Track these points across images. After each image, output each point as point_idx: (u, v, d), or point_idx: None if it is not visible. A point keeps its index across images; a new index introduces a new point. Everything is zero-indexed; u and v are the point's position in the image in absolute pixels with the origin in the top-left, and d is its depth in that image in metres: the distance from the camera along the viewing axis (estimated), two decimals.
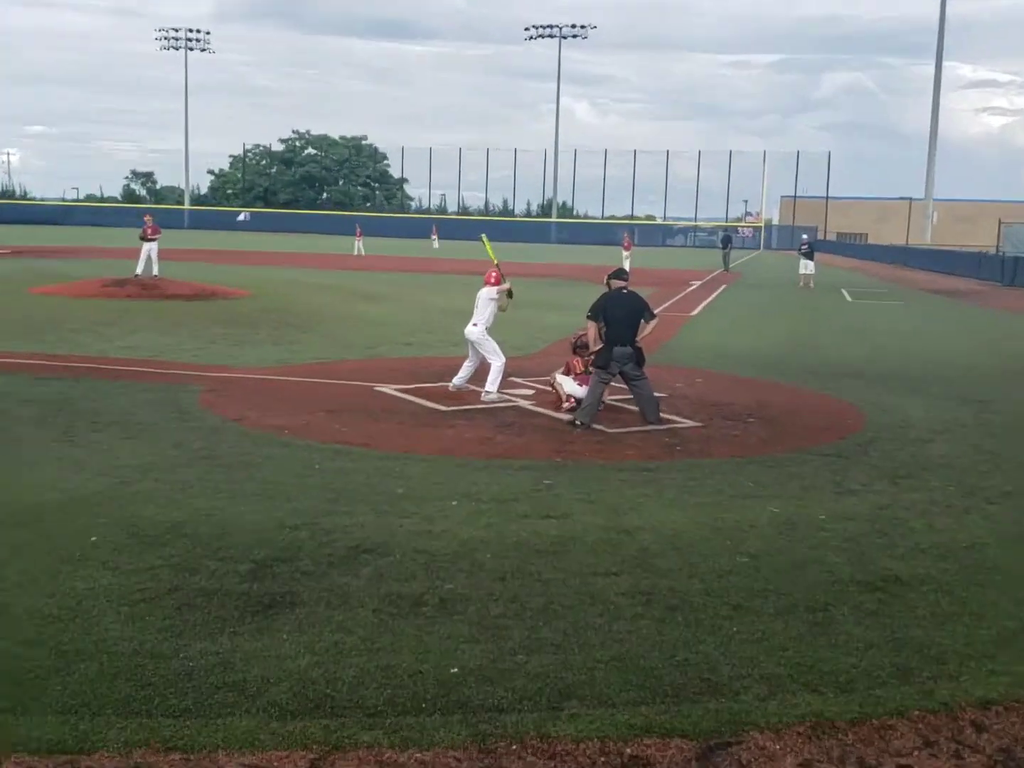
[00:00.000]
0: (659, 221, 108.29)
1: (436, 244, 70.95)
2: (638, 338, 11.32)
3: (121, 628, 5.32)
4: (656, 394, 11.93)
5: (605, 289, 11.76)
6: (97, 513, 7.26)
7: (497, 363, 12.45)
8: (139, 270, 29.16)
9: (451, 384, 12.93)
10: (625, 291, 11.55)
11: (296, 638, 5.27)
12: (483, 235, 13.96)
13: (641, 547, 6.86)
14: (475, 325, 12.60)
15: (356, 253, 56.08)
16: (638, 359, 11.28)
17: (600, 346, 11.29)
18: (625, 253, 44.06)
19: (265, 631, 5.34)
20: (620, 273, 11.89)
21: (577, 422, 10.96)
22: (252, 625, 5.41)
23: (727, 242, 52.25)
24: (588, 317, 11.46)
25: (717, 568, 6.49)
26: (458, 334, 16.73)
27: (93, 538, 6.69)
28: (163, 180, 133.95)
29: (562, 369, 12.38)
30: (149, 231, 30.14)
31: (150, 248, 29.75)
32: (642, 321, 11.40)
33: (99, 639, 5.20)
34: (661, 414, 11.44)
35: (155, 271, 29.27)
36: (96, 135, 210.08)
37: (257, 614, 5.55)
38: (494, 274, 12.84)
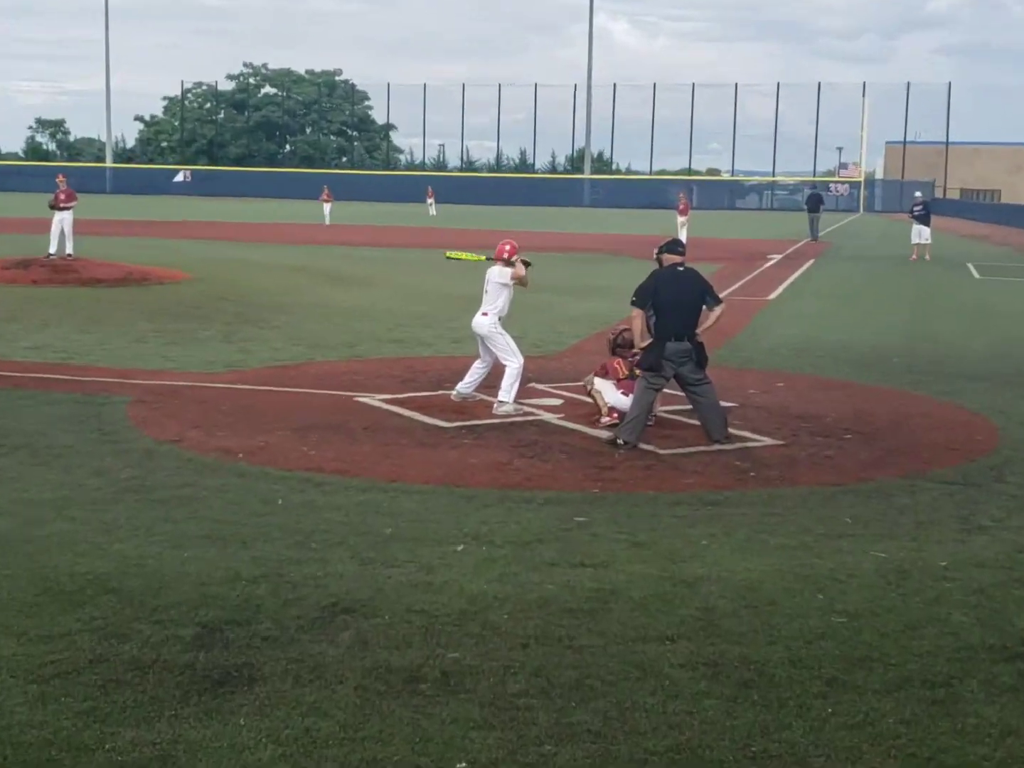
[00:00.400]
0: (725, 176, 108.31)
1: (432, 210, 71.19)
2: (698, 331, 11.35)
3: (29, 712, 5.35)
4: (723, 404, 11.96)
5: (655, 267, 11.77)
6: None
7: (513, 365, 12.50)
8: (52, 248, 29.20)
9: (454, 392, 12.99)
10: (681, 269, 11.57)
11: (256, 724, 5.30)
12: (447, 253, 13.94)
13: (704, 604, 6.86)
14: (484, 315, 12.69)
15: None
16: (698, 358, 11.29)
17: (648, 342, 11.31)
18: (681, 219, 44.13)
19: (216, 715, 5.37)
20: (674, 246, 11.92)
21: (620, 441, 10.97)
22: (199, 707, 5.44)
23: (816, 203, 52.06)
24: (633, 303, 11.48)
25: (805, 631, 6.48)
26: (462, 327, 16.79)
27: None
28: (78, 130, 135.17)
29: (598, 371, 12.38)
30: (62, 197, 30.07)
31: (63, 219, 29.70)
32: (704, 308, 11.41)
33: (1, 726, 5.23)
34: (730, 430, 11.45)
35: (69, 248, 29.31)
36: None
37: (205, 693, 5.58)
38: (507, 248, 12.87)
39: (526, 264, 12.79)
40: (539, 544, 7.94)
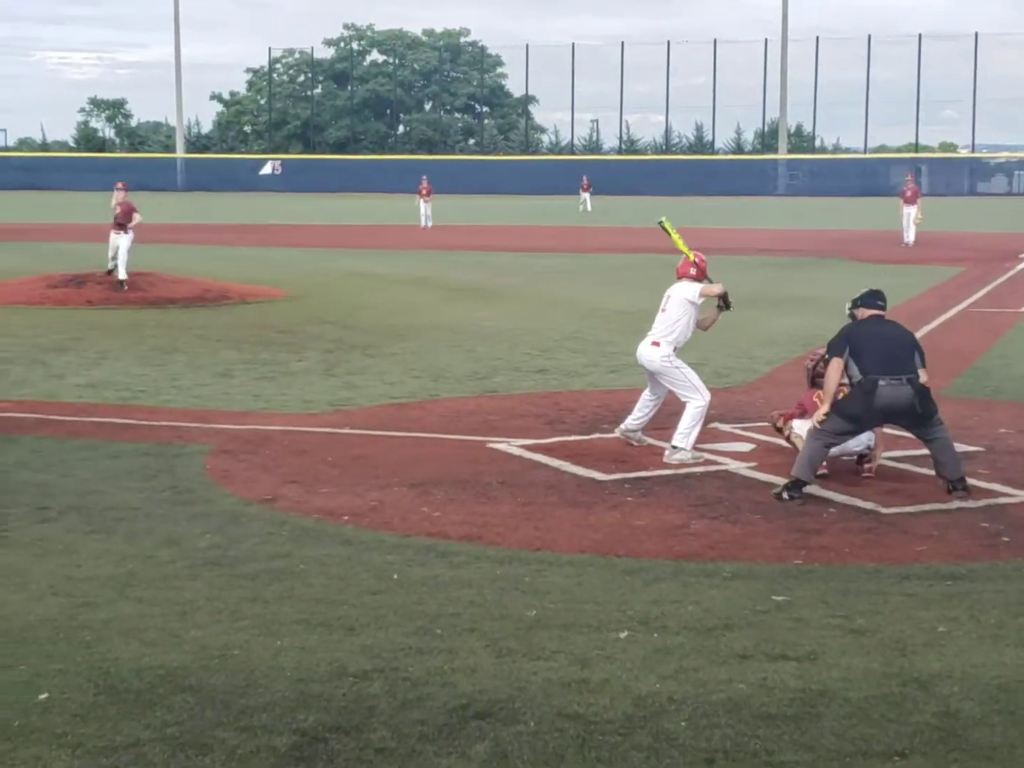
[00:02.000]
0: (963, 153, 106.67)
1: (587, 204, 71.44)
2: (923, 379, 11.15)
3: None
4: (964, 448, 11.69)
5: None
6: (48, 655, 7.48)
7: (696, 404, 12.49)
8: (114, 265, 28.63)
9: (618, 430, 12.99)
10: (883, 318, 11.62)
11: None
12: (663, 219, 13.99)
13: (944, 709, 6.73)
14: (655, 345, 12.74)
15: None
16: (924, 408, 11.09)
17: (843, 395, 11.22)
18: (907, 209, 43.58)
19: None
20: (872, 298, 11.66)
21: (784, 496, 10.95)
22: None
23: None
24: (828, 353, 11.44)
25: None
26: (623, 353, 16.81)
27: (42, 695, 6.89)
28: (141, 112, 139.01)
29: (794, 411, 12.26)
30: (118, 212, 29.23)
31: (119, 240, 28.88)
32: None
33: None
34: (973, 481, 11.26)
35: (122, 273, 28.33)
36: (35, 43, 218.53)
37: None
38: (694, 265, 12.93)
39: (727, 299, 12.73)
40: (726, 631, 7.88)
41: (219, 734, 6.41)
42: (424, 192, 56.18)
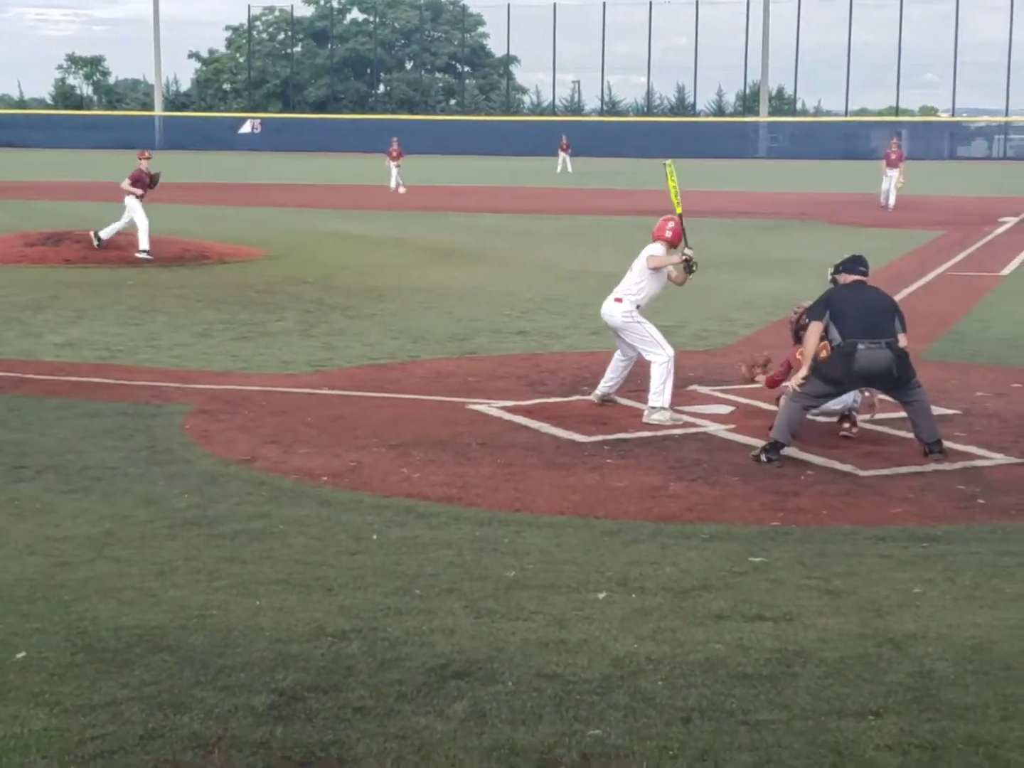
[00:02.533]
0: (944, 117, 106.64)
1: (567, 165, 71.21)
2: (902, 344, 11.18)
3: None
4: (941, 410, 11.74)
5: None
6: (24, 614, 7.49)
7: (661, 360, 12.53)
8: (142, 243, 27.54)
9: (594, 395, 13.04)
10: (863, 284, 11.63)
11: None
12: (667, 162, 13.98)
13: (919, 669, 6.77)
14: (617, 301, 12.82)
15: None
16: (900, 374, 11.12)
17: (824, 355, 11.18)
18: (890, 173, 43.52)
19: None
20: (854, 264, 11.67)
21: (763, 458, 11.01)
22: None
23: None
24: (808, 317, 11.45)
25: None
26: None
27: (20, 654, 6.90)
28: (119, 70, 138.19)
29: (779, 373, 12.29)
30: (144, 176, 27.93)
31: (130, 206, 27.82)
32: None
33: None
34: (950, 444, 11.34)
35: (104, 232, 27.80)
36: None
37: None
38: (670, 226, 13.02)
39: (689, 264, 12.79)
40: (703, 592, 7.91)
41: (197, 693, 6.43)
42: (394, 154, 54.40)
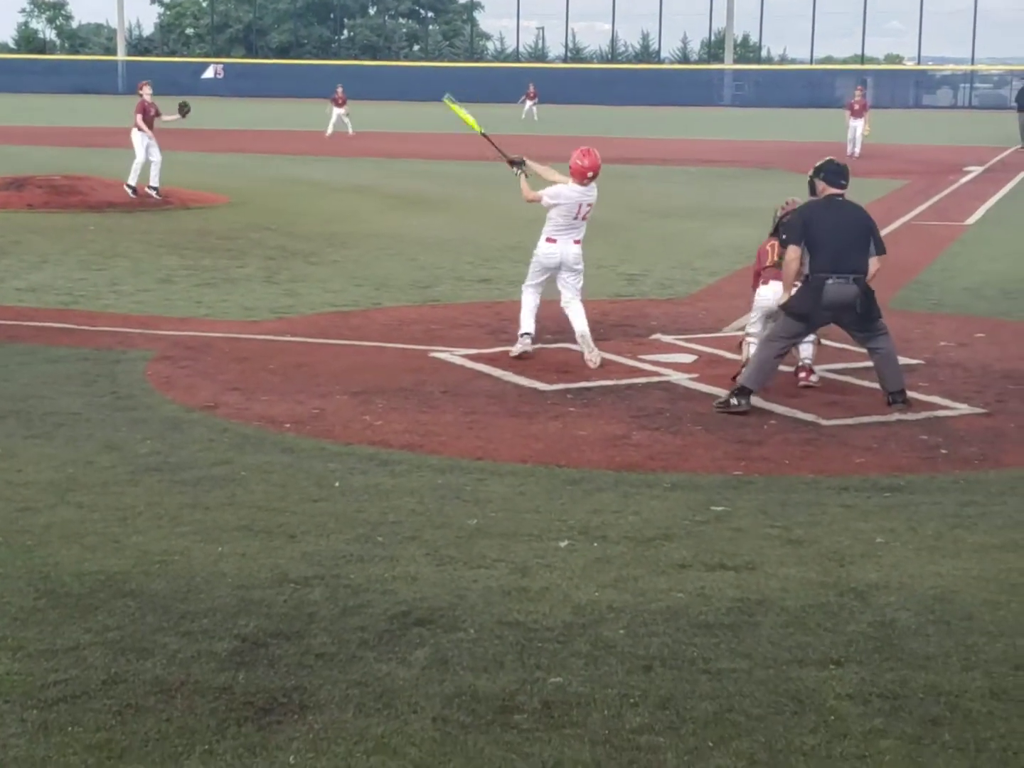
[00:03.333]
0: (909, 65, 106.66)
1: (532, 112, 70.89)
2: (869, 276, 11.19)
3: (28, 745, 5.47)
4: (909, 360, 11.77)
5: (808, 196, 11.64)
6: None
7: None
8: (154, 180, 27.41)
9: (590, 359, 12.90)
10: (841, 199, 11.46)
11: (310, 762, 5.36)
12: (447, 96, 13.97)
13: (880, 618, 6.82)
14: (577, 243, 12.87)
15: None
16: (865, 310, 11.12)
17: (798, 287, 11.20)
18: (854, 122, 43.46)
19: (259, 750, 5.45)
20: (836, 176, 11.49)
21: (733, 401, 10.97)
22: (238, 740, 5.52)
23: None
24: (783, 242, 11.41)
25: (1011, 654, 6.40)
26: None
27: None
28: (82, 14, 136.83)
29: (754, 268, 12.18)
30: (149, 110, 27.68)
31: (148, 142, 27.55)
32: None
33: None
34: (913, 394, 11.37)
35: (135, 177, 27.35)
36: None
37: (245, 723, 5.66)
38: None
39: (513, 164, 13.40)
40: (665, 541, 7.93)
41: (160, 639, 6.43)
42: (340, 101, 54.18)
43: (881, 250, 11.29)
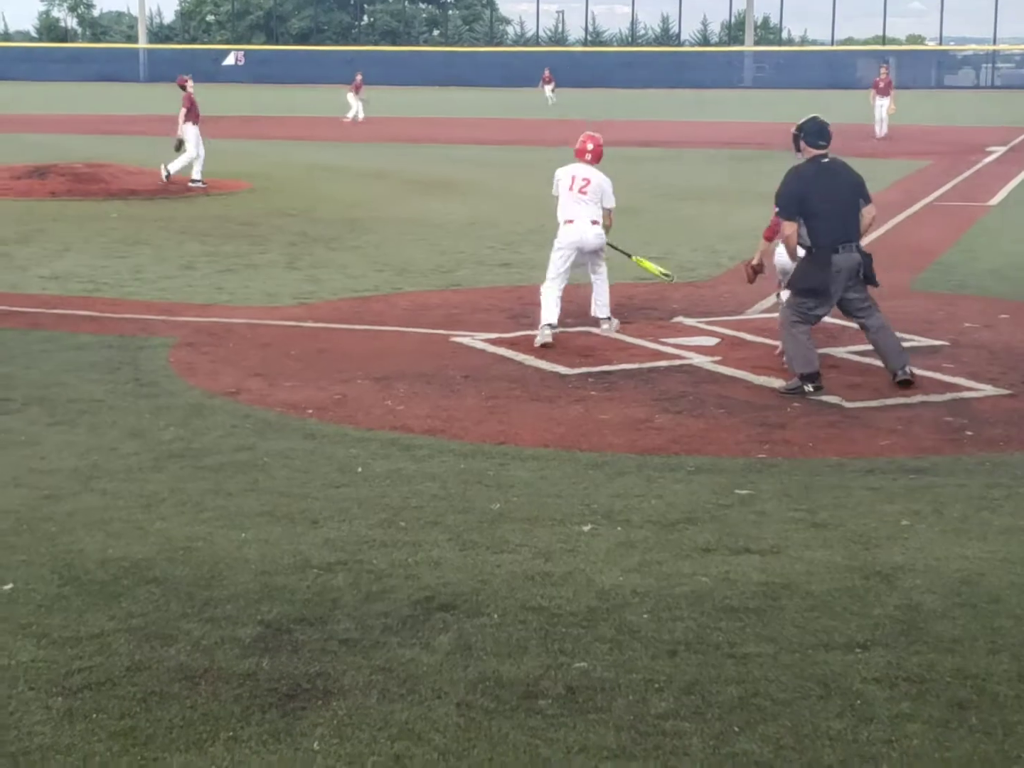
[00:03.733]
0: (931, 45, 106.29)
1: (551, 97, 70.86)
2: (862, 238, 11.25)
3: (53, 732, 5.47)
4: (933, 342, 11.71)
5: (795, 160, 11.62)
6: (11, 546, 7.49)
7: (605, 270, 13.37)
8: (196, 172, 27.36)
9: (604, 326, 13.37)
10: (826, 160, 11.45)
11: (334, 748, 5.36)
12: (635, 258, 13.83)
13: (906, 601, 6.79)
14: (595, 223, 13.08)
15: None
16: (867, 274, 11.17)
17: (803, 256, 11.20)
18: (879, 101, 43.26)
19: (283, 737, 5.45)
20: (814, 133, 11.49)
21: (808, 387, 10.90)
22: (262, 727, 5.52)
23: None
24: (779, 215, 11.39)
25: None
26: None
27: (7, 586, 6.91)
28: (103, 2, 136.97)
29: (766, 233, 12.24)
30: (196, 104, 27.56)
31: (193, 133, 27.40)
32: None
33: (19, 749, 5.35)
34: (941, 376, 11.35)
35: (179, 166, 27.41)
36: None
37: (270, 709, 5.66)
38: (589, 147, 13.24)
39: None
40: (689, 524, 7.91)
41: (184, 625, 6.43)
42: (358, 87, 53.99)
43: (867, 200, 11.34)
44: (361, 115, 52.89)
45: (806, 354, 11.04)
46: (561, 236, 13.02)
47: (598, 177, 13.00)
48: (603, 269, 13.35)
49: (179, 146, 27.26)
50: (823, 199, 11.10)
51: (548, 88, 71.57)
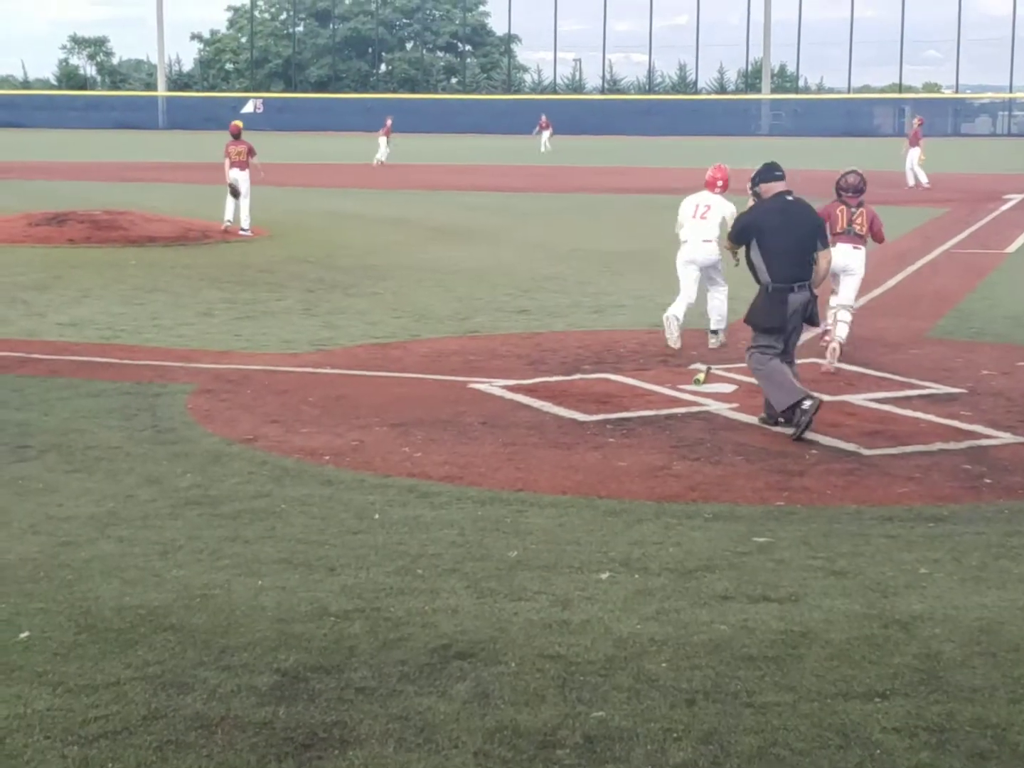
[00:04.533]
0: (947, 94, 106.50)
1: (546, 144, 69.71)
2: (815, 281, 11.60)
3: None
4: (951, 389, 11.69)
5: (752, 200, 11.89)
6: (28, 594, 7.49)
7: (725, 288, 15.20)
8: (243, 221, 27.76)
9: (717, 338, 15.21)
10: (790, 199, 11.67)
11: None
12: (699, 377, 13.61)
13: (925, 650, 6.75)
14: (707, 242, 15.01)
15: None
16: (811, 314, 11.57)
17: (759, 294, 11.54)
18: (912, 151, 43.24)
19: None
20: (769, 172, 11.80)
21: (804, 406, 10.93)
22: None
23: None
24: (729, 236, 12.03)
25: None
26: (603, 293, 16.87)
27: (23, 634, 6.91)
28: (122, 50, 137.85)
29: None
30: (235, 151, 28.13)
31: (241, 179, 27.91)
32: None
33: None
34: (959, 424, 11.28)
35: (232, 216, 28.03)
36: None
37: (286, 758, 5.64)
38: (719, 180, 15.29)
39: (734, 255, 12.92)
40: (707, 572, 7.89)
41: (200, 673, 6.42)
42: (387, 132, 55.95)
43: (825, 245, 11.77)
44: (376, 160, 53.50)
45: (787, 387, 11.17)
46: (680, 254, 15.27)
47: (720, 205, 15.04)
48: (720, 284, 15.08)
49: (237, 192, 27.58)
50: (783, 238, 11.38)
51: (545, 134, 71.00)
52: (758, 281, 11.51)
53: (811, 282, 11.43)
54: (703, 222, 14.97)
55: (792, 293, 11.27)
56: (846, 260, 14.23)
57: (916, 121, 45.95)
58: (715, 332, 14.99)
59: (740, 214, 11.96)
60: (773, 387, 11.24)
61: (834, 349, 13.50)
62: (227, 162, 27.93)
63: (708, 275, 15.11)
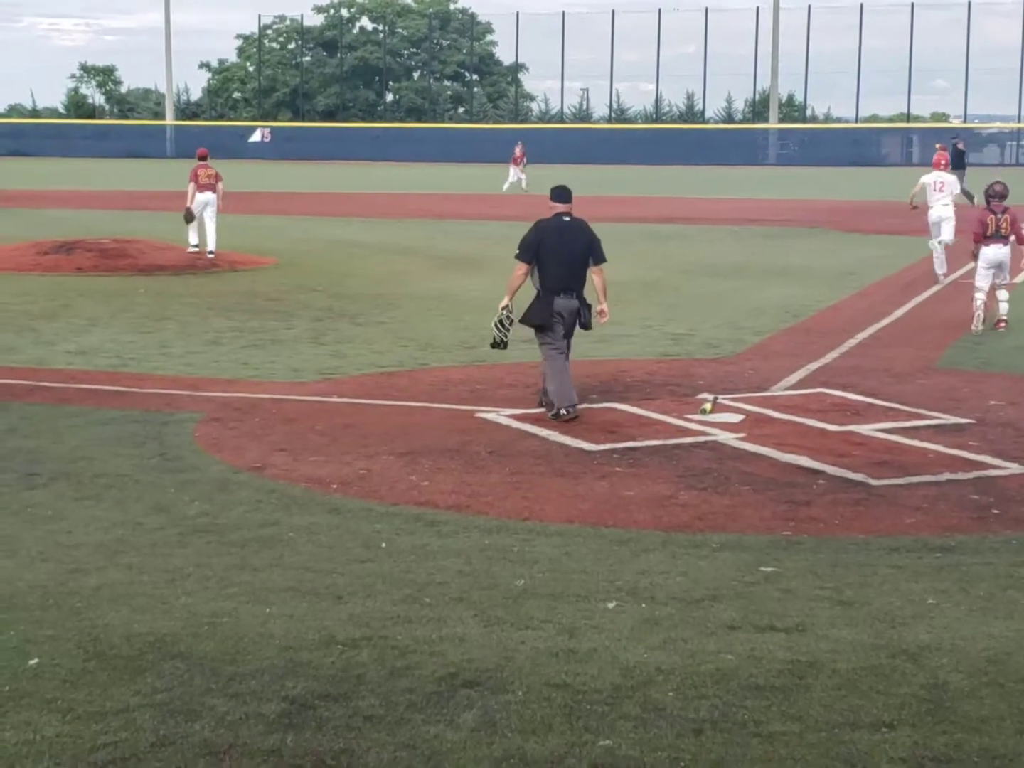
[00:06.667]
0: (956, 123, 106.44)
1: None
2: (600, 298, 12.94)
3: None
4: (959, 419, 11.68)
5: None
6: (37, 621, 7.53)
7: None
8: (210, 244, 28.06)
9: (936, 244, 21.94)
10: (568, 219, 13.09)
11: None
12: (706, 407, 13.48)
13: (933, 680, 6.76)
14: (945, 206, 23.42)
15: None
16: (583, 320, 12.94)
17: (534, 299, 12.92)
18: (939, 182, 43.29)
19: None
20: (556, 192, 13.19)
21: (562, 412, 12.54)
22: None
23: None
24: (516, 257, 13.05)
25: None
26: (612, 323, 16.76)
27: (32, 661, 6.94)
28: (131, 79, 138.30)
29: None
30: (205, 174, 28.74)
31: (207, 202, 28.36)
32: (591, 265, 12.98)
33: None
34: (965, 454, 11.29)
35: (205, 242, 28.32)
36: (23, 8, 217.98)
37: None
38: (940, 160, 21.86)
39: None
40: (714, 602, 7.91)
41: (208, 701, 6.45)
42: (517, 159, 58.65)
43: (600, 260, 13.08)
44: (524, 185, 55.56)
45: (564, 391, 12.64)
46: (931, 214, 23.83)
47: (950, 179, 23.22)
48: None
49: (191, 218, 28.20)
50: (556, 253, 12.85)
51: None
52: (536, 288, 12.97)
53: (580, 292, 12.85)
54: (941, 194, 23.34)
55: (558, 298, 12.78)
56: (998, 256, 18.58)
57: (939, 148, 45.77)
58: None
59: (529, 234, 12.94)
60: (554, 380, 12.72)
61: (1002, 324, 18.53)
62: (192, 186, 28.26)
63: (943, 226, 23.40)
